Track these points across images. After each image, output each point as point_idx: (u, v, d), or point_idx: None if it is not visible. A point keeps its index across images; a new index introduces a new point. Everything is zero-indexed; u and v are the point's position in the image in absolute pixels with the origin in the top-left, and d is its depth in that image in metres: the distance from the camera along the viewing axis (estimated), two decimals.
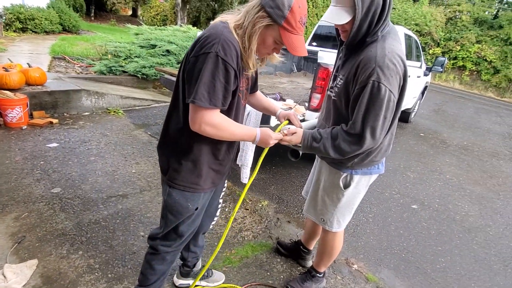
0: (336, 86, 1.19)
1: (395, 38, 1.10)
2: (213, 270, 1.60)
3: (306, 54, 0.99)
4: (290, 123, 1.27)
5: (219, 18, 0.98)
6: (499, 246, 2.39)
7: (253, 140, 1.07)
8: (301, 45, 0.97)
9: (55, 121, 3.25)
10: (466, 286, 1.90)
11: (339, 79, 1.19)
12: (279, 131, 1.19)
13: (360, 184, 1.32)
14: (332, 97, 1.22)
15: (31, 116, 3.21)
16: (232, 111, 1.04)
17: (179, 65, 1.14)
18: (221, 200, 1.40)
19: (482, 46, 15.52)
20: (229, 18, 0.96)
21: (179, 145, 1.05)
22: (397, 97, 1.08)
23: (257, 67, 1.08)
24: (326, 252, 1.53)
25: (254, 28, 0.91)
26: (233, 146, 1.16)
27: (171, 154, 1.07)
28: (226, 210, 2.26)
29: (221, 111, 0.97)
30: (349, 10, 1.04)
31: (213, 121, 0.93)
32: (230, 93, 0.95)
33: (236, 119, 1.07)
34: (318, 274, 1.60)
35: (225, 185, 1.39)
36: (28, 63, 3.63)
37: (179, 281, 1.53)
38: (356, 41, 1.09)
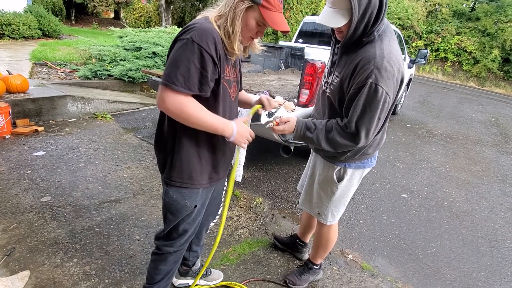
0: (332, 84, 1.18)
1: (392, 37, 1.09)
2: (211, 268, 1.60)
3: (289, 29, 1.00)
4: (264, 107, 1.26)
5: (200, 15, 1.01)
6: (485, 228, 2.49)
7: (230, 134, 1.01)
8: (283, 21, 0.99)
9: (40, 129, 3.15)
10: (456, 268, 1.98)
11: (334, 76, 1.17)
12: (253, 114, 1.19)
13: (353, 178, 1.35)
14: (327, 93, 1.21)
15: (14, 125, 3.11)
16: (218, 100, 1.02)
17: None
18: (223, 199, 1.40)
19: (461, 37, 16.04)
20: (209, 13, 0.99)
21: (172, 142, 1.05)
22: (393, 98, 1.08)
23: (241, 55, 1.07)
24: (322, 245, 1.56)
25: (236, 12, 0.93)
26: (230, 143, 1.13)
27: (166, 152, 1.08)
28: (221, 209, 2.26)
29: (204, 99, 0.97)
30: (346, 12, 1.02)
31: (178, 101, 0.92)
32: (209, 79, 0.94)
33: (224, 110, 1.05)
34: (314, 266, 1.64)
35: (226, 183, 1.39)
36: (8, 70, 3.51)
37: (178, 281, 1.53)
38: (352, 41, 1.09)
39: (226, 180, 1.38)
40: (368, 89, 1.01)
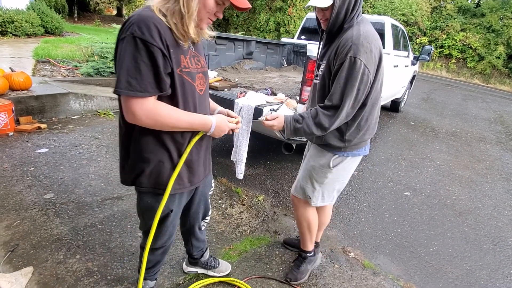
0: (321, 71, 1.30)
1: (368, 23, 1.25)
2: (220, 260, 1.63)
3: (250, 6, 0.95)
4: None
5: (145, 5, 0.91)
6: (488, 227, 2.48)
7: (208, 128, 0.99)
8: None
9: (43, 126, 3.17)
10: (458, 267, 1.97)
11: (322, 66, 1.29)
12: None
13: (349, 165, 1.41)
14: (317, 83, 1.32)
15: (17, 122, 3.13)
16: (177, 98, 0.92)
17: None
18: (210, 194, 1.40)
19: (466, 34, 15.83)
20: (152, 1, 0.89)
21: (134, 145, 0.98)
22: (372, 73, 1.18)
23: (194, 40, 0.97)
24: (305, 228, 1.59)
25: None
26: (200, 140, 1.07)
27: (128, 157, 1.01)
28: (223, 206, 2.27)
29: (164, 98, 0.90)
30: None
31: (147, 111, 0.85)
32: (163, 75, 0.85)
33: (188, 108, 0.97)
34: (308, 254, 1.65)
35: (213, 184, 1.38)
36: (10, 68, 3.53)
37: (188, 268, 1.59)
38: (335, 28, 1.22)
39: (213, 181, 1.36)
40: (348, 62, 1.14)
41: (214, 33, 1.05)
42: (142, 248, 1.24)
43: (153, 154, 0.98)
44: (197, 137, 1.02)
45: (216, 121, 1.01)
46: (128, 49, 0.81)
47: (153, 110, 0.86)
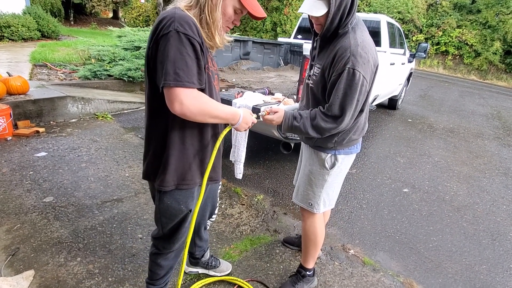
0: (314, 75, 1.29)
1: (363, 28, 1.24)
2: (220, 260, 1.64)
3: (266, 16, 1.01)
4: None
5: (170, 5, 0.96)
6: (487, 221, 2.49)
7: (237, 120, 1.04)
8: (259, 7, 1.01)
9: (41, 130, 3.17)
10: (458, 262, 1.98)
11: (316, 68, 1.28)
12: (224, 134, 1.12)
13: (343, 164, 1.41)
14: (310, 85, 1.32)
15: (15, 126, 3.12)
16: (205, 92, 0.97)
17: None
18: (220, 200, 1.42)
19: (462, 30, 15.88)
20: (178, 3, 0.95)
21: (159, 142, 1.00)
22: (370, 82, 1.19)
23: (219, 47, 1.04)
24: (311, 242, 1.53)
25: (215, 1, 0.91)
26: (217, 135, 1.11)
27: (154, 155, 1.03)
28: (223, 206, 2.27)
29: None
30: (325, 3, 1.14)
31: (193, 100, 0.89)
32: (204, 68, 0.91)
33: None
34: (308, 273, 1.58)
35: (220, 183, 1.39)
36: (8, 72, 3.52)
37: (189, 269, 1.59)
38: (329, 33, 1.20)
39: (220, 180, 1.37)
40: (347, 74, 1.13)
41: (231, 38, 1.11)
42: (155, 255, 1.20)
43: (179, 150, 1.00)
44: (226, 130, 1.08)
45: (243, 113, 1.06)
46: (174, 44, 0.84)
47: (198, 99, 0.91)
